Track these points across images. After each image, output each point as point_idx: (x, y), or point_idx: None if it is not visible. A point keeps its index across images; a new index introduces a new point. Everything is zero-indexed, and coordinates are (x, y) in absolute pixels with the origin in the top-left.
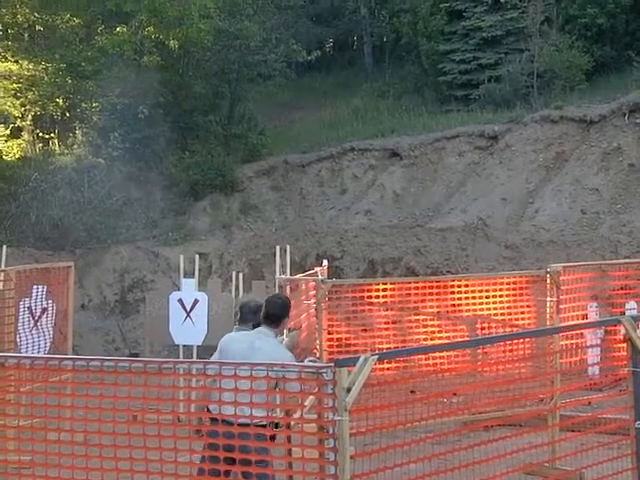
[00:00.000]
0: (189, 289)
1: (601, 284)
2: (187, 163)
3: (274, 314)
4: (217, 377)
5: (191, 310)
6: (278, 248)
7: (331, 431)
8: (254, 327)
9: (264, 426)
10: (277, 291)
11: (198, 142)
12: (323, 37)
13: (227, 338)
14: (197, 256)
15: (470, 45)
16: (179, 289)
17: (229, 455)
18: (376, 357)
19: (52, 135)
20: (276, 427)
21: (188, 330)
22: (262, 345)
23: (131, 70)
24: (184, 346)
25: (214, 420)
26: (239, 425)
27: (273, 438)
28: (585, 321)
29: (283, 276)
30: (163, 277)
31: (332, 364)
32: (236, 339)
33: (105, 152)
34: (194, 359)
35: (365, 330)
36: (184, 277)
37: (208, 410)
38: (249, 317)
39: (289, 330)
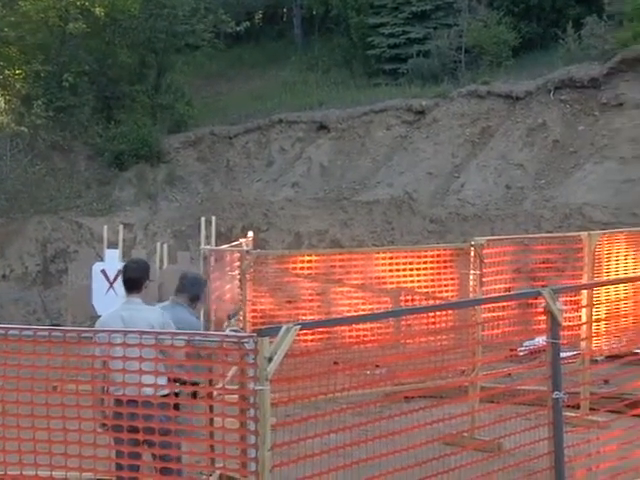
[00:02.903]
0: (113, 260)
1: (524, 258)
2: (112, 133)
3: (134, 278)
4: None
5: (114, 281)
6: (203, 219)
7: (252, 401)
8: (190, 299)
9: (166, 395)
10: (202, 263)
11: (124, 112)
12: (252, 8)
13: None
14: (121, 227)
15: (399, 19)
16: (102, 260)
17: (133, 424)
18: (298, 327)
19: None
20: (176, 395)
21: (111, 301)
22: (134, 315)
23: (56, 37)
24: None
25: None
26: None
27: (177, 407)
28: (507, 293)
29: (208, 247)
30: (86, 248)
31: (254, 334)
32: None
33: (28, 120)
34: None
35: (290, 302)
36: (108, 248)
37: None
38: (187, 288)
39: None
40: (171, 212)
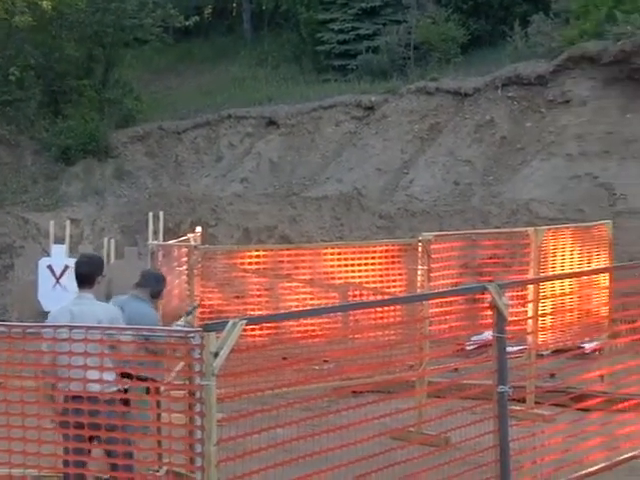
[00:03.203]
0: (59, 255)
1: (471, 253)
2: (60, 127)
3: (85, 273)
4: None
5: (61, 276)
6: (151, 215)
7: (198, 396)
8: (151, 295)
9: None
10: (149, 258)
11: (71, 106)
12: (202, 3)
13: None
14: (68, 222)
15: (349, 15)
16: (49, 255)
17: (80, 420)
18: (245, 322)
19: None
20: (125, 392)
21: (58, 296)
22: (84, 310)
23: (1, 30)
24: None
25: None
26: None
27: (126, 402)
28: (454, 288)
29: (155, 242)
30: (33, 243)
31: (200, 329)
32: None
33: None
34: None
35: (238, 297)
36: (54, 243)
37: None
38: (151, 283)
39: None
40: (119, 207)
